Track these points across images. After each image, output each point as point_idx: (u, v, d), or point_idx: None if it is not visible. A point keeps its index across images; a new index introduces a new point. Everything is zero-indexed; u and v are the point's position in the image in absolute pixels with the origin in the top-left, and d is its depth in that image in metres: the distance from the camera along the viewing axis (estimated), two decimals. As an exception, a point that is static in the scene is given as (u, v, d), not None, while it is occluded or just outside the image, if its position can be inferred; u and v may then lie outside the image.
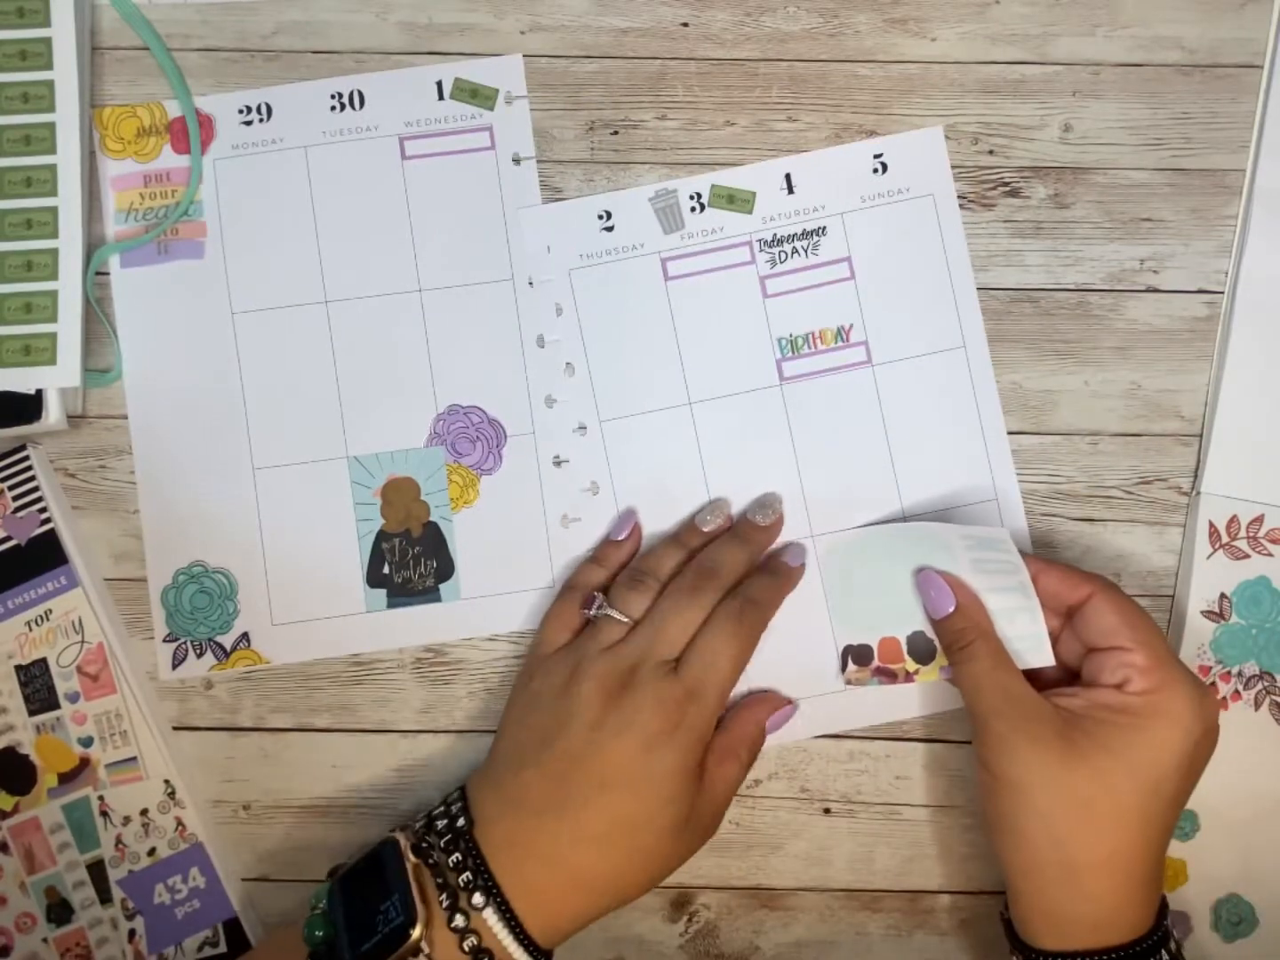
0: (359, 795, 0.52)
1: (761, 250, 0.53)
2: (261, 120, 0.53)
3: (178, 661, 0.52)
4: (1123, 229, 0.53)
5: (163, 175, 0.53)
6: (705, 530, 0.50)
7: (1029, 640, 0.48)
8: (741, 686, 0.51)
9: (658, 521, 0.52)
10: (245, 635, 0.52)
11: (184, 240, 0.53)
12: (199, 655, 0.52)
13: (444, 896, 0.43)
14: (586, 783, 0.45)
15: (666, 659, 0.47)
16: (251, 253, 0.53)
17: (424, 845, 0.45)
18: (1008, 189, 0.53)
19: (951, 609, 0.47)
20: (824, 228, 0.53)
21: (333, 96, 0.53)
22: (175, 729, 0.52)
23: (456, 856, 0.44)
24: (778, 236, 0.53)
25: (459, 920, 0.43)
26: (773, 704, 0.50)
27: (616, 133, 0.53)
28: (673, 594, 0.48)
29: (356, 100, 0.53)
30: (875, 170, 0.53)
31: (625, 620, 0.48)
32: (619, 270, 0.53)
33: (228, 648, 0.52)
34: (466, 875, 0.44)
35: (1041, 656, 0.47)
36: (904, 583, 0.50)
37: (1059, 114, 0.53)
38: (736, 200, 0.53)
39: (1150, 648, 0.45)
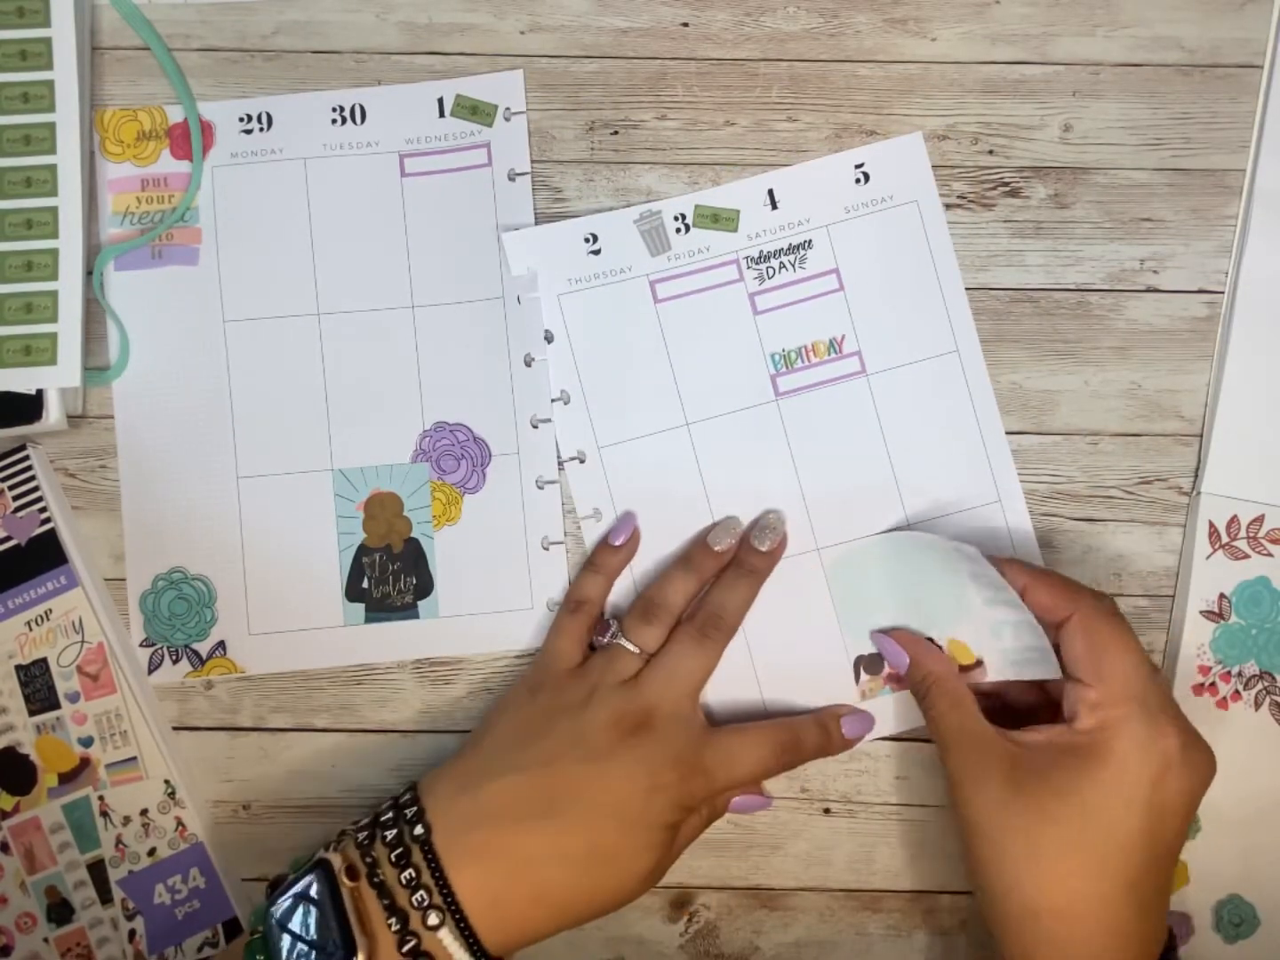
0: (359, 795, 0.52)
1: (749, 267, 0.53)
2: (262, 129, 0.53)
3: (154, 667, 0.52)
4: (1123, 229, 0.53)
5: (160, 180, 0.53)
6: (716, 550, 0.50)
7: (1034, 653, 0.47)
8: (755, 695, 0.51)
9: (662, 545, 0.52)
10: (221, 644, 0.52)
11: (179, 246, 0.53)
12: (175, 661, 0.52)
13: (392, 920, 0.42)
14: (578, 804, 0.44)
15: (681, 712, 0.47)
16: (246, 262, 0.53)
17: (367, 861, 0.43)
18: (1008, 189, 0.53)
19: (906, 663, 0.49)
20: (809, 241, 0.53)
21: (334, 109, 0.53)
22: (175, 729, 0.52)
23: (409, 873, 0.43)
24: (764, 253, 0.53)
25: (410, 944, 0.42)
26: (750, 785, 0.50)
27: (616, 133, 0.53)
28: (681, 639, 0.48)
29: (358, 114, 0.53)
30: (858, 180, 0.53)
31: (639, 653, 0.48)
32: (608, 294, 0.52)
33: (204, 655, 0.52)
34: (420, 894, 0.42)
35: (1046, 669, 0.47)
36: (909, 590, 0.51)
37: (1059, 114, 0.53)
38: (721, 219, 0.53)
39: (1109, 683, 0.44)
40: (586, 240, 0.52)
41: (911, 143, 0.53)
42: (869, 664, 0.51)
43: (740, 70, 0.53)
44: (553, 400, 0.52)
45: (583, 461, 0.52)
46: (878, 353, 0.52)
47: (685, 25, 0.53)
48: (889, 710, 0.51)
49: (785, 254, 0.53)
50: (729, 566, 0.51)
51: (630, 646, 0.48)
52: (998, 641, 0.49)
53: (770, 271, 0.53)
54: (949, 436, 0.52)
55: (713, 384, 0.52)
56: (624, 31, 0.53)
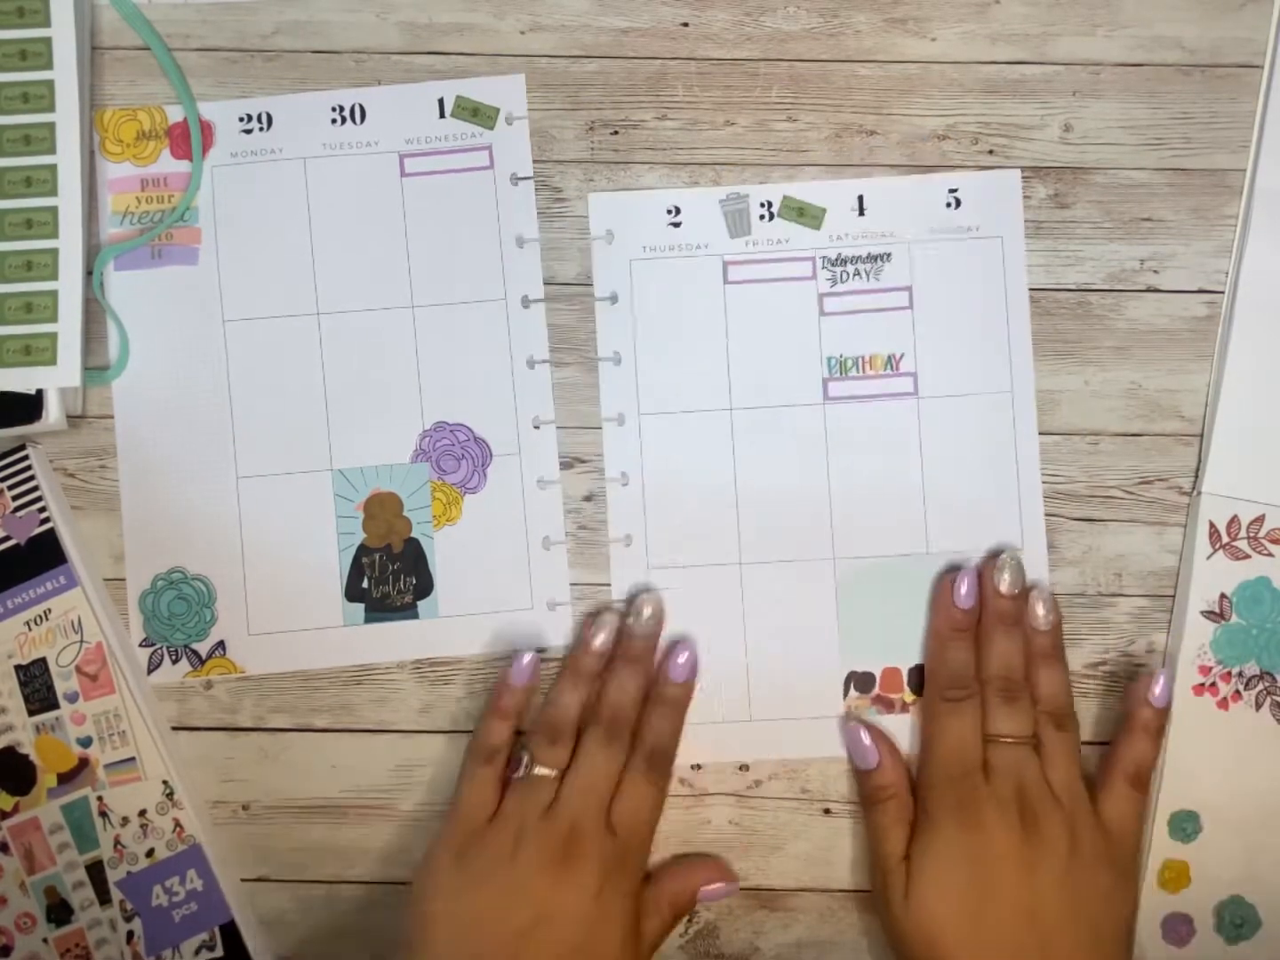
0: (359, 795, 0.52)
1: (824, 268, 0.52)
2: (262, 129, 0.53)
3: (153, 667, 0.52)
4: (1123, 229, 0.53)
5: (160, 180, 0.53)
6: (595, 646, 0.50)
7: None
8: (744, 682, 0.51)
9: (684, 518, 0.52)
10: (221, 644, 0.52)
11: (179, 246, 0.53)
12: (174, 661, 0.52)
13: None
14: (542, 954, 0.45)
15: (599, 818, 0.47)
16: (245, 261, 0.53)
17: None
18: (1008, 189, 0.53)
19: (874, 763, 0.49)
20: (889, 254, 0.52)
21: (334, 109, 0.53)
22: (174, 729, 0.52)
23: None
24: (842, 256, 0.53)
25: None
26: (713, 872, 0.50)
27: (616, 133, 0.53)
28: (589, 749, 0.48)
29: (358, 114, 0.53)
30: (949, 204, 0.53)
31: (554, 774, 0.48)
32: (680, 266, 0.53)
33: (203, 655, 0.52)
34: None
35: None
36: (915, 615, 0.51)
37: (1059, 114, 0.53)
38: (807, 214, 0.52)
39: None
40: (669, 212, 0.53)
41: (1009, 178, 0.53)
42: (860, 681, 0.51)
43: (740, 70, 0.53)
44: (602, 359, 0.52)
45: (621, 424, 0.52)
46: (933, 378, 0.52)
47: (685, 25, 0.53)
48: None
49: (863, 262, 0.53)
50: (650, 701, 0.50)
51: (545, 772, 0.48)
52: None
53: (844, 276, 0.52)
54: (986, 475, 0.52)
55: (765, 375, 0.52)
56: (624, 31, 0.53)
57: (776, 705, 0.51)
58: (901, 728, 0.51)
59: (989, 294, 0.52)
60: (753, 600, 0.52)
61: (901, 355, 0.52)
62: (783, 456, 0.52)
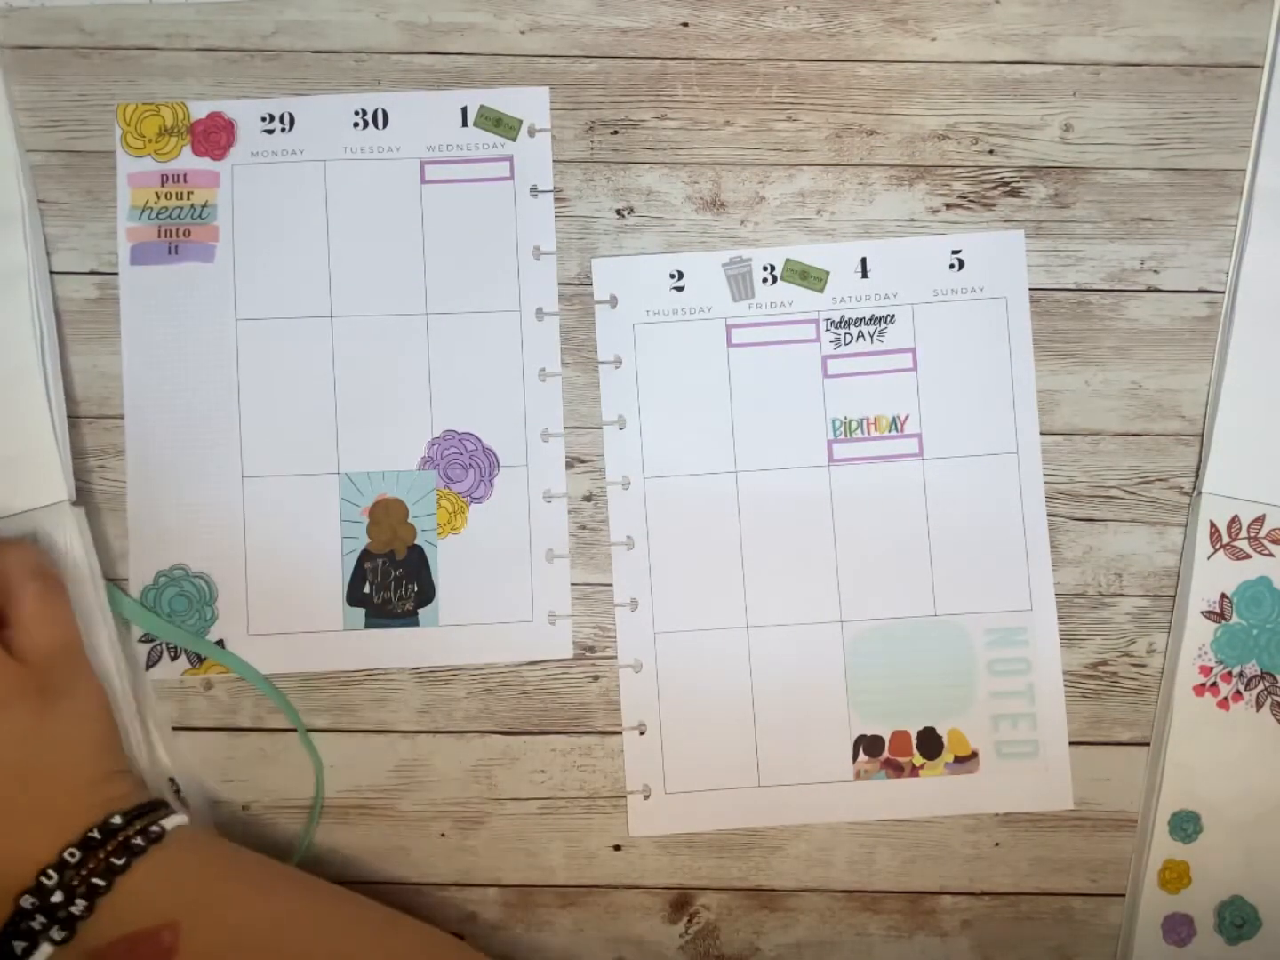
0: (359, 795, 0.52)
1: (827, 330, 0.53)
2: (284, 130, 0.53)
3: (151, 663, 0.51)
4: (1123, 229, 0.53)
5: (180, 176, 0.53)
6: None
7: (1025, 746, 0.51)
8: (752, 747, 0.51)
9: (688, 578, 0.52)
10: (220, 642, 0.51)
11: (195, 243, 0.53)
12: (173, 658, 0.52)
13: None
14: None
15: None
16: (261, 261, 0.53)
17: None
18: (1008, 189, 0.53)
19: None
20: (893, 316, 0.53)
21: (356, 113, 0.53)
22: (175, 729, 0.52)
23: None
24: (845, 318, 0.53)
25: None
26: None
27: (616, 132, 0.53)
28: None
29: (380, 119, 0.53)
30: (952, 266, 0.53)
31: None
32: (683, 330, 0.53)
33: (202, 653, 0.51)
34: None
35: (1032, 764, 0.51)
36: (923, 677, 0.51)
37: (1059, 114, 0.53)
38: (809, 277, 0.53)
39: None
40: (672, 276, 0.53)
41: (1013, 240, 0.53)
42: (869, 745, 0.51)
43: (740, 70, 0.53)
44: (607, 424, 0.52)
45: (626, 488, 0.52)
46: (938, 439, 0.52)
47: (685, 25, 0.53)
48: (882, 796, 0.51)
49: (866, 324, 0.53)
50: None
51: None
52: (994, 733, 0.51)
53: (848, 338, 0.53)
54: (992, 539, 0.52)
55: (769, 437, 0.52)
56: (624, 31, 0.53)
57: (785, 771, 0.51)
58: (911, 792, 0.51)
59: (994, 355, 0.52)
60: (759, 664, 0.52)
61: (906, 417, 0.52)
62: (788, 518, 0.52)
